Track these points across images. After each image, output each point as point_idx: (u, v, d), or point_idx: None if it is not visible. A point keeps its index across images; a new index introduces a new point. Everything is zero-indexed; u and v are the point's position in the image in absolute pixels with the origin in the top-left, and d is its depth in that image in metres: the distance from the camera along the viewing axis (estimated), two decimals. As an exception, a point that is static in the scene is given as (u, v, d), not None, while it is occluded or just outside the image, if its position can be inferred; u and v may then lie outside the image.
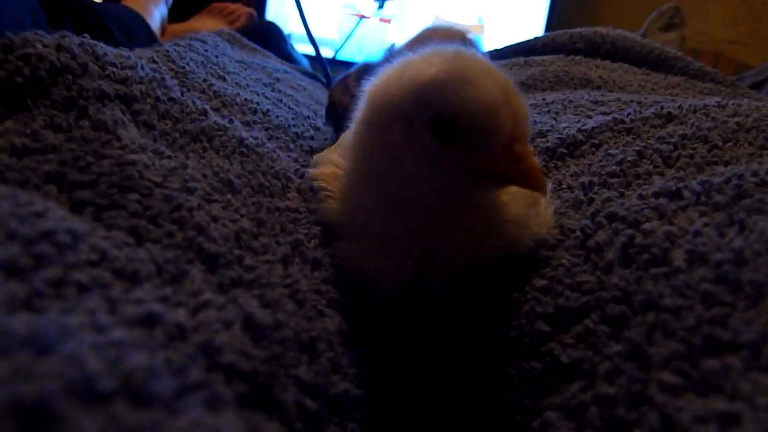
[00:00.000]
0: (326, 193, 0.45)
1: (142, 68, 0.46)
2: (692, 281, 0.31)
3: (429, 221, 0.39)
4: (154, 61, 0.59)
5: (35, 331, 0.19)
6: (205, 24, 1.65)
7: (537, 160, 0.37)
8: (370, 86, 0.42)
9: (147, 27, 1.36)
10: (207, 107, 0.49)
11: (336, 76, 1.13)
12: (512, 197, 0.42)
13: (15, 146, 0.34)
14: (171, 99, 0.46)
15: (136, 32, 1.29)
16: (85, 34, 0.45)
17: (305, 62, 1.68)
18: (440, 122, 0.36)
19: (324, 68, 1.42)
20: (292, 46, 1.70)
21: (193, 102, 0.48)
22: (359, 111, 0.42)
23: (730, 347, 0.27)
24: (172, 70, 0.60)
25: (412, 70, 0.38)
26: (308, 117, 0.76)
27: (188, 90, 0.55)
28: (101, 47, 0.45)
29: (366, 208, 0.41)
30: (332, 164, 0.47)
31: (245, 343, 0.26)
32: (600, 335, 0.33)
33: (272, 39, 1.58)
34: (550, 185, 0.46)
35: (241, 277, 0.32)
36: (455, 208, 0.39)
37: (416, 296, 0.40)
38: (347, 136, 0.47)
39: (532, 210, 0.42)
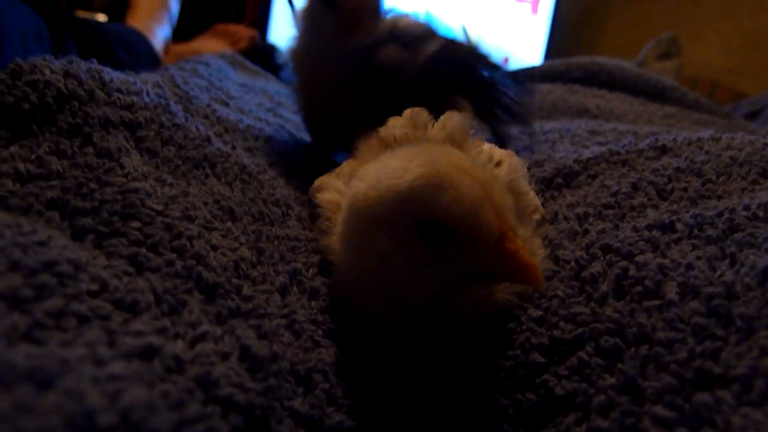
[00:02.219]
0: (328, 224, 0.44)
1: (148, 94, 0.47)
2: (684, 314, 0.32)
3: (424, 317, 0.39)
4: (160, 86, 0.60)
5: (36, 365, 0.19)
6: (208, 45, 1.67)
7: (528, 254, 0.36)
8: (351, 190, 0.40)
9: (150, 47, 1.37)
10: (210, 133, 0.50)
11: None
12: None
13: (19, 172, 0.35)
14: (175, 125, 0.47)
15: (139, 52, 1.30)
16: (92, 59, 0.46)
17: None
18: (426, 227, 0.35)
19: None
20: (293, 68, 1.71)
21: (197, 128, 0.49)
22: (343, 213, 0.42)
23: (721, 381, 0.28)
24: (176, 95, 0.60)
25: (390, 176, 0.37)
26: (310, 144, 0.76)
27: (192, 115, 0.56)
28: (108, 73, 0.45)
29: (362, 288, 0.40)
30: (335, 191, 0.46)
31: (242, 375, 0.27)
32: (594, 367, 0.33)
33: (274, 61, 1.60)
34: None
35: (239, 307, 0.32)
36: (450, 305, 0.38)
37: (417, 346, 0.40)
38: (350, 163, 0.47)
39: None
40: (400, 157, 0.38)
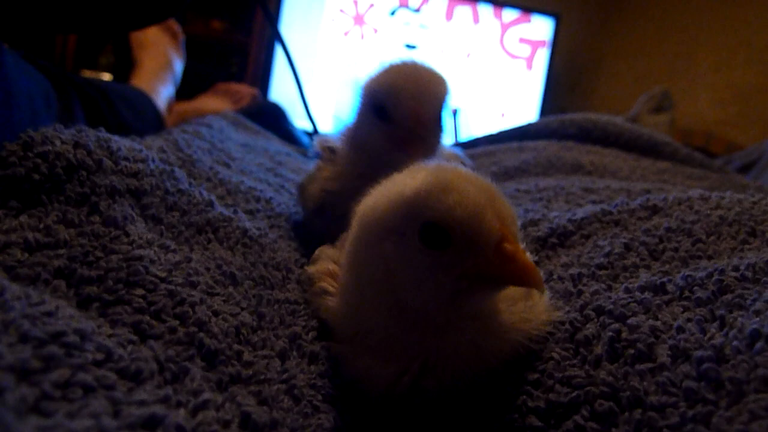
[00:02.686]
0: (324, 290, 0.45)
1: (153, 161, 0.49)
2: (676, 378, 0.32)
3: (429, 333, 0.39)
4: (164, 151, 0.62)
5: (44, 439, 0.20)
6: (210, 103, 1.71)
7: (529, 256, 0.37)
8: (360, 206, 0.43)
9: (154, 106, 1.41)
10: (213, 198, 0.51)
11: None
12: (507, 294, 0.42)
13: (28, 241, 0.36)
14: (179, 191, 0.48)
15: (143, 112, 1.33)
16: (101, 128, 0.47)
17: (307, 141, 1.73)
18: (429, 230, 0.37)
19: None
20: (293, 125, 1.75)
21: (200, 193, 0.50)
22: (351, 230, 0.43)
23: (713, 446, 0.28)
24: (180, 159, 0.62)
25: (398, 185, 0.39)
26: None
27: (195, 179, 0.58)
28: (116, 141, 0.47)
29: (364, 319, 0.41)
30: (330, 260, 0.48)
31: (242, 443, 0.27)
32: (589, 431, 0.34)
33: (275, 119, 1.64)
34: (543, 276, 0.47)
35: (240, 373, 0.33)
36: (455, 318, 0.39)
37: (414, 405, 0.40)
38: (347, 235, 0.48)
39: (528, 302, 0.43)
40: (408, 171, 0.41)
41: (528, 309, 0.42)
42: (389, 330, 0.40)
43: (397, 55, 0.61)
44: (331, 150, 0.65)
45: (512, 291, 0.42)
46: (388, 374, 0.39)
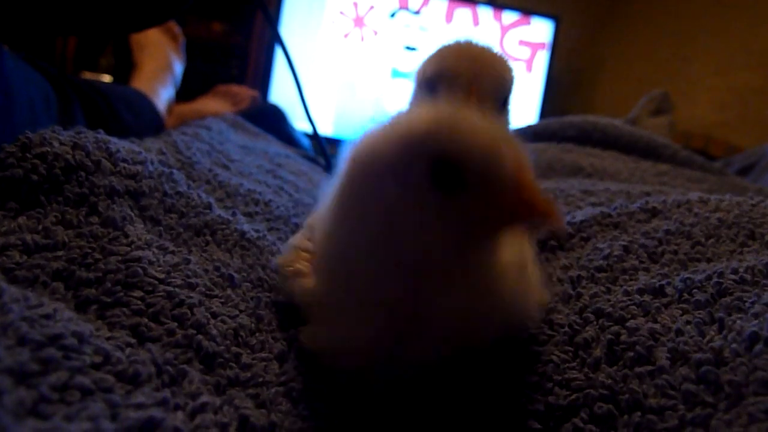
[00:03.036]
0: (298, 272, 0.42)
1: (152, 162, 0.49)
2: (675, 381, 0.32)
3: (422, 290, 0.35)
4: (163, 153, 0.62)
5: (42, 441, 0.20)
6: (210, 105, 1.71)
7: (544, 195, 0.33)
8: (351, 150, 0.37)
9: (154, 108, 1.41)
10: (211, 200, 0.51)
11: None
12: (507, 265, 0.38)
13: (26, 243, 0.36)
14: (178, 193, 0.48)
15: (143, 113, 1.33)
16: (99, 130, 0.47)
17: (307, 143, 1.73)
18: (440, 169, 0.33)
19: (322, 147, 1.46)
20: (293, 127, 1.75)
21: (199, 195, 0.50)
22: (339, 179, 0.38)
23: (712, 449, 0.28)
24: (179, 161, 0.62)
25: (400, 123, 0.35)
26: (308, 204, 0.78)
27: (194, 181, 0.58)
28: (114, 143, 0.47)
29: (349, 279, 0.37)
30: (297, 247, 0.44)
31: (240, 446, 0.27)
32: (589, 434, 0.34)
33: (274, 121, 1.64)
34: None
35: (238, 376, 0.33)
36: (454, 273, 0.35)
37: (390, 377, 0.37)
38: (316, 216, 0.45)
39: (522, 278, 0.40)
40: (407, 112, 0.37)
41: (524, 279, 0.40)
42: (378, 283, 0.36)
43: (451, 37, 0.55)
44: None
45: (506, 260, 0.38)
46: (367, 342, 0.36)
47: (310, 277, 0.41)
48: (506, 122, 0.55)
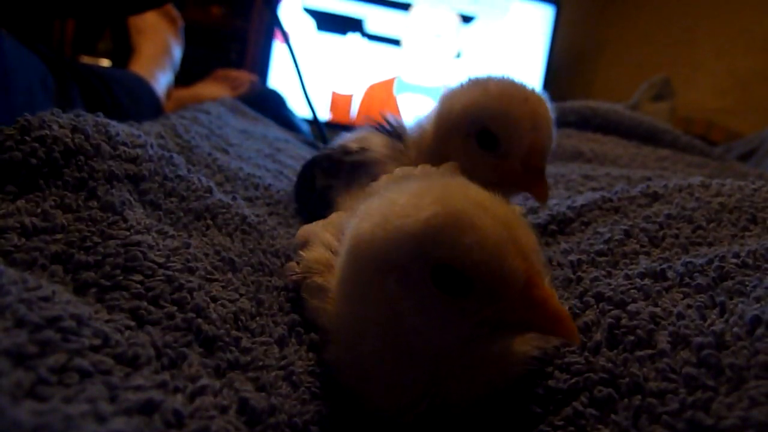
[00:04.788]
0: (320, 288, 0.40)
1: (152, 146, 0.48)
2: (676, 365, 0.32)
3: (440, 375, 0.35)
4: (162, 137, 0.61)
5: (40, 422, 0.20)
6: (209, 90, 1.70)
7: (558, 302, 0.32)
8: (352, 230, 0.36)
9: (153, 93, 1.40)
10: (212, 184, 0.51)
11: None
12: None
13: (25, 226, 0.36)
14: (178, 176, 0.48)
15: (142, 98, 1.33)
16: (99, 113, 0.47)
17: (306, 127, 1.72)
18: (442, 273, 0.31)
19: (321, 132, 1.46)
20: (292, 112, 1.74)
21: (199, 179, 0.50)
22: (343, 257, 0.37)
23: (713, 432, 0.28)
24: (178, 145, 0.62)
25: (400, 213, 0.33)
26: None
27: (194, 165, 0.58)
28: (114, 126, 0.46)
29: (364, 354, 0.36)
30: (324, 246, 0.42)
31: (240, 428, 0.27)
32: (588, 418, 0.34)
33: (274, 105, 1.63)
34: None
35: (238, 359, 0.33)
36: (470, 360, 0.35)
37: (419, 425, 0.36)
38: (340, 215, 0.45)
39: None
40: (410, 192, 0.34)
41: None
42: (394, 370, 0.35)
43: (483, 71, 0.54)
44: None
45: None
46: (391, 406, 0.35)
47: (333, 299, 0.39)
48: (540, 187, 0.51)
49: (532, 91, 0.51)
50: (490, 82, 0.52)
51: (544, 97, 0.52)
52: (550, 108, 0.51)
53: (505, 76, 0.53)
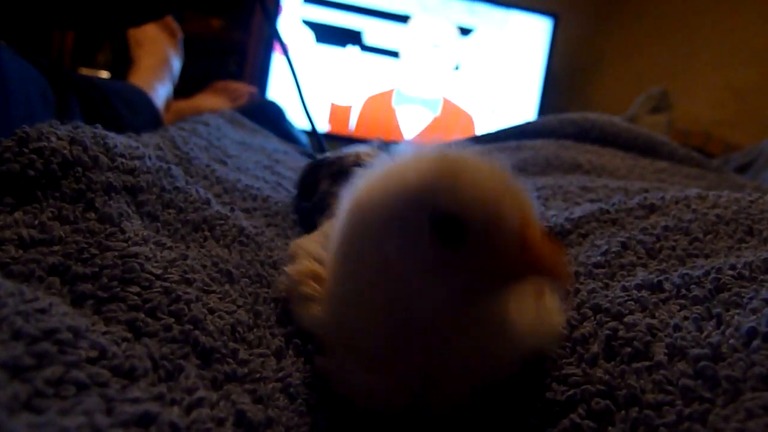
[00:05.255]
0: (307, 296, 0.40)
1: (150, 158, 0.48)
2: (673, 376, 0.32)
3: (434, 340, 0.34)
4: (161, 149, 0.61)
5: (36, 436, 0.20)
6: (208, 102, 1.70)
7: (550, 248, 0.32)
8: (350, 198, 0.36)
9: (151, 104, 1.41)
10: (209, 195, 0.51)
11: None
12: (520, 295, 0.37)
13: (22, 238, 0.36)
14: (176, 188, 0.48)
15: (140, 109, 1.33)
16: (97, 125, 0.47)
17: (305, 139, 1.73)
18: (440, 224, 0.31)
19: (320, 143, 1.47)
20: (291, 124, 1.75)
21: (197, 191, 0.50)
22: (340, 228, 0.37)
23: (710, 445, 0.28)
24: (177, 156, 0.62)
25: (398, 171, 0.34)
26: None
27: (192, 177, 0.58)
28: (112, 138, 0.46)
29: (358, 329, 0.36)
30: (311, 257, 0.42)
31: (237, 441, 0.27)
32: (586, 430, 0.34)
33: (273, 117, 1.63)
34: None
35: (235, 371, 0.33)
36: (464, 322, 0.34)
37: (415, 423, 0.36)
38: (332, 224, 0.43)
39: (540, 303, 0.39)
40: (406, 157, 0.34)
41: (540, 308, 0.39)
42: (388, 340, 0.35)
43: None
44: None
45: (522, 289, 0.38)
46: (386, 389, 0.35)
47: (321, 305, 0.39)
48: None
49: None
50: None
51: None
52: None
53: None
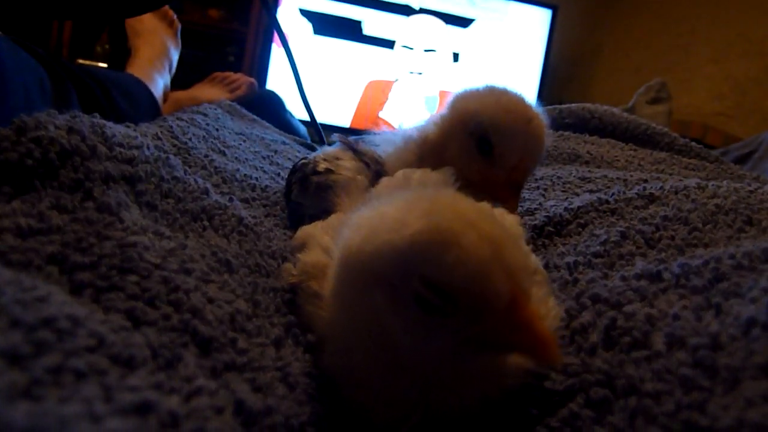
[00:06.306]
0: (315, 293, 0.40)
1: (148, 147, 0.48)
2: (671, 365, 0.32)
3: (431, 385, 0.35)
4: (159, 138, 0.61)
5: (35, 423, 0.20)
6: (206, 92, 1.70)
7: (542, 323, 0.32)
8: (342, 242, 0.37)
9: (150, 95, 1.40)
10: (208, 185, 0.51)
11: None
12: None
13: (20, 227, 0.36)
14: (174, 178, 0.48)
15: (139, 100, 1.33)
16: (95, 114, 0.47)
17: (304, 129, 1.72)
18: (428, 291, 0.31)
19: (319, 134, 1.46)
20: (291, 114, 1.74)
21: (195, 181, 0.50)
22: (334, 268, 0.38)
23: (708, 433, 0.28)
24: (175, 146, 0.62)
25: (387, 228, 0.33)
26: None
27: (190, 167, 0.58)
28: (110, 127, 0.46)
29: (353, 360, 0.36)
30: (322, 249, 0.42)
31: (236, 429, 0.27)
32: (585, 419, 0.34)
33: (271, 108, 1.63)
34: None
35: (234, 360, 0.33)
36: (459, 372, 0.35)
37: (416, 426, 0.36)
38: (339, 216, 0.46)
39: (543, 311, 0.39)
40: (399, 206, 0.34)
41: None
42: (386, 380, 0.35)
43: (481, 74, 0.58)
44: (377, 162, 0.58)
45: None
46: (386, 417, 0.35)
47: (327, 305, 0.39)
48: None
49: (537, 115, 0.54)
50: (503, 96, 0.55)
51: (545, 123, 0.55)
52: (546, 134, 0.55)
53: (519, 94, 0.56)
